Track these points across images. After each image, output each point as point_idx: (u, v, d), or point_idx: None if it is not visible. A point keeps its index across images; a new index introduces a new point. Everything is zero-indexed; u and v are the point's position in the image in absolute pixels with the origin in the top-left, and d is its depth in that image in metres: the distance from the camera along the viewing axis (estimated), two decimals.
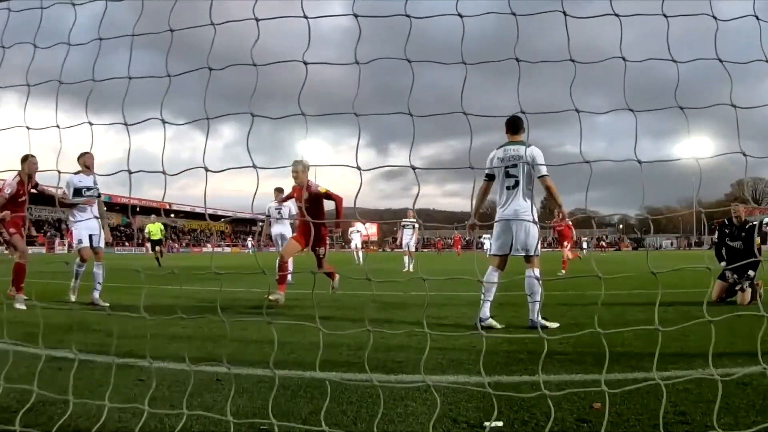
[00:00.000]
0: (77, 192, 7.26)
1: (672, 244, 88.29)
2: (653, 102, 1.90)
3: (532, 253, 5.18)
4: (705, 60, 1.94)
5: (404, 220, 18.08)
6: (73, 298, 7.32)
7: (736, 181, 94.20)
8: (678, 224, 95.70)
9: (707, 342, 4.18)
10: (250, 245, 66.60)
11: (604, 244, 60.29)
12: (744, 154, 1.85)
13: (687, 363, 3.60)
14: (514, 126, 5.33)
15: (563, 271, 14.27)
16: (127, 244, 67.33)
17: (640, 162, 1.91)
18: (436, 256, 39.32)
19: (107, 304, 6.86)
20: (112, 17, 2.26)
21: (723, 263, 7.56)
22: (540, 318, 4.96)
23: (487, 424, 2.47)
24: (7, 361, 2.75)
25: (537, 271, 5.06)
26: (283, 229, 12.18)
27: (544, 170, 5.16)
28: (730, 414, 2.57)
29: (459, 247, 36.85)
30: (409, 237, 17.27)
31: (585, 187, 1.96)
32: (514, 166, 5.16)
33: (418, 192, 2.01)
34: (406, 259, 17.27)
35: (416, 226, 16.92)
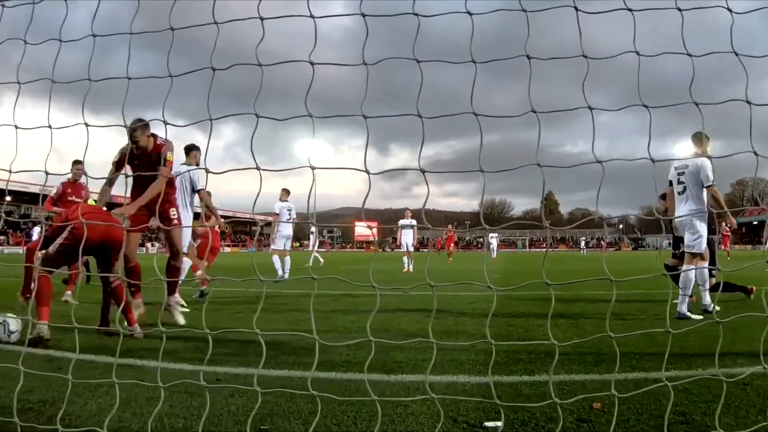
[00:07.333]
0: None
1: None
2: (654, 100, 1.89)
3: (694, 251, 5.98)
4: (705, 58, 1.94)
5: (401, 220, 18.08)
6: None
7: (737, 181, 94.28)
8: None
9: (707, 342, 4.19)
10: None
11: (603, 243, 59.85)
12: (756, 154, 1.85)
13: (687, 363, 3.59)
14: (693, 139, 6.30)
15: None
16: None
17: (653, 161, 1.90)
18: (436, 257, 39.22)
19: None
20: (112, 16, 2.25)
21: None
22: (686, 308, 5.75)
23: (487, 424, 2.46)
24: (8, 361, 2.75)
25: (703, 264, 5.96)
26: (288, 230, 12.53)
27: (708, 181, 5.95)
28: (730, 414, 2.57)
29: (451, 246, 31.64)
30: (408, 237, 17.26)
31: (585, 187, 1.96)
32: (683, 173, 6.13)
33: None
34: (405, 259, 17.24)
35: (415, 224, 16.89)
